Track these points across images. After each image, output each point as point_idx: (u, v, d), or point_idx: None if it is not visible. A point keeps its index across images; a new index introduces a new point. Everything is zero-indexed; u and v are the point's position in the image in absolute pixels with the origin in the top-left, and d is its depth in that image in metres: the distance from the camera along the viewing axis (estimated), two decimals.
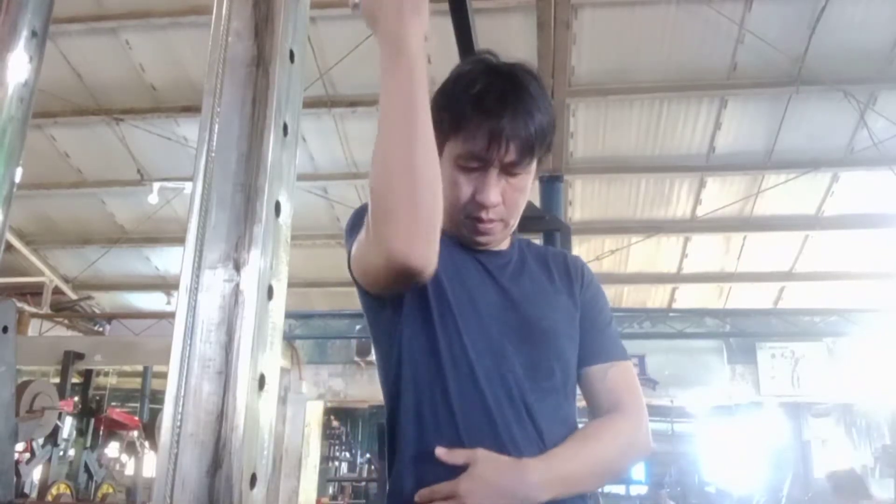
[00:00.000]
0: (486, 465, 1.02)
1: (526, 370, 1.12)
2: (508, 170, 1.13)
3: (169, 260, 10.22)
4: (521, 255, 1.27)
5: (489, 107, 1.10)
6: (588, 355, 1.21)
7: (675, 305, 10.40)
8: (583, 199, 8.81)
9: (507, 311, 1.16)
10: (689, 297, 10.33)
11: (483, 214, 1.15)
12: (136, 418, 9.61)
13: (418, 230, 0.93)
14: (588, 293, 1.26)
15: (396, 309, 1.14)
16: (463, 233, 1.19)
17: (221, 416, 0.82)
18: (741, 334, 9.79)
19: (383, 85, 0.97)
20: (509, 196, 1.15)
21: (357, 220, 1.13)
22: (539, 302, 1.20)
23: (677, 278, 9.94)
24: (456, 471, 1.03)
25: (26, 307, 9.71)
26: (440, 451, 1.05)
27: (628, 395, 1.19)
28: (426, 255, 0.94)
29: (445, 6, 4.10)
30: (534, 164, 1.17)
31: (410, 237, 0.93)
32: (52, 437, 7.42)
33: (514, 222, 1.21)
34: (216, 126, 0.93)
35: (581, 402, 1.24)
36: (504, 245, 1.26)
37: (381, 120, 0.96)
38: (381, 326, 1.18)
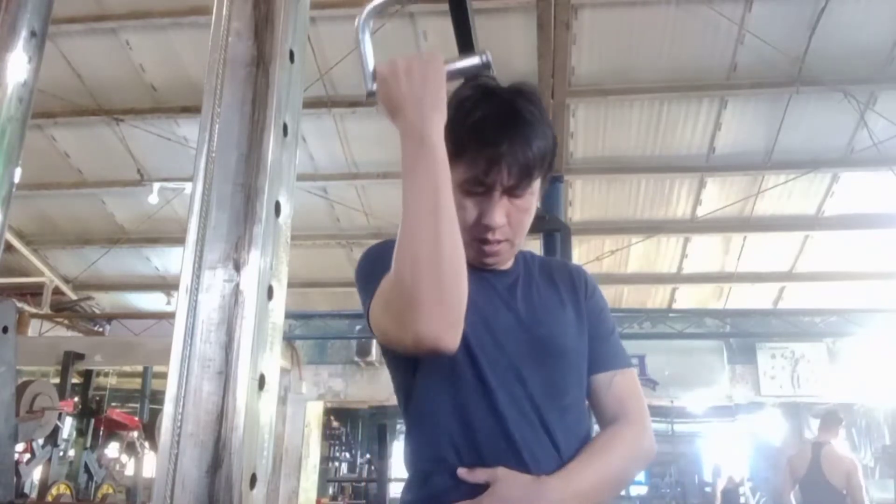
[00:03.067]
0: (507, 483, 1.05)
1: (543, 389, 1.15)
2: (511, 192, 1.16)
3: (169, 260, 10.22)
4: (527, 270, 1.29)
5: (488, 135, 1.13)
6: (593, 364, 1.24)
7: (674, 306, 10.40)
8: (583, 200, 8.81)
9: (521, 331, 1.18)
10: (689, 297, 10.33)
11: (489, 236, 1.18)
12: (136, 419, 9.61)
13: (446, 319, 0.95)
14: (592, 303, 1.29)
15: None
16: (470, 255, 1.20)
17: (221, 416, 0.82)
18: (741, 334, 9.79)
19: (406, 177, 0.99)
20: (514, 217, 1.18)
21: (372, 269, 1.14)
22: (550, 319, 1.22)
23: (677, 278, 9.94)
24: (477, 490, 1.06)
25: (26, 307, 9.70)
26: (462, 472, 1.08)
27: (633, 402, 1.22)
28: (453, 339, 0.97)
29: (445, 6, 4.11)
30: (536, 185, 1.20)
31: (438, 324, 0.95)
32: (52, 438, 7.41)
33: (521, 241, 1.24)
34: (216, 126, 0.93)
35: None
36: (509, 263, 1.28)
37: (406, 213, 0.98)
38: (399, 360, 1.21)
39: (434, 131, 1.00)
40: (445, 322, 0.95)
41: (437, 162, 0.99)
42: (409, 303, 0.95)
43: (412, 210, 0.98)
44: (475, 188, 1.16)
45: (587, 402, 1.26)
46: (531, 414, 1.13)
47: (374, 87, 1.05)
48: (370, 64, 1.06)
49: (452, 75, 1.08)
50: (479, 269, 1.23)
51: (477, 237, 1.18)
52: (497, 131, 1.14)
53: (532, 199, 1.20)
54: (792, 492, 5.74)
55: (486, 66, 1.10)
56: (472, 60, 1.11)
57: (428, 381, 1.16)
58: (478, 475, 1.07)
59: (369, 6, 1.01)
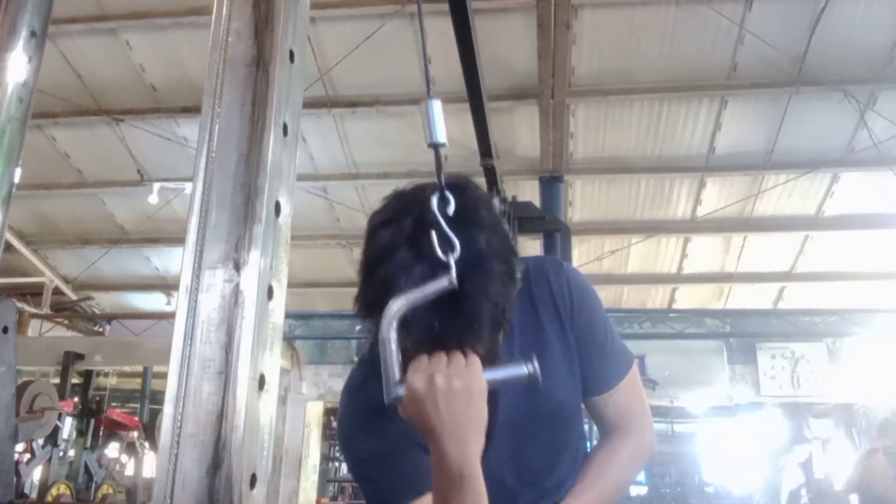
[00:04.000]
0: None
1: (538, 460, 1.20)
2: None
3: (169, 260, 10.21)
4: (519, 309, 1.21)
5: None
6: (590, 387, 1.22)
7: (675, 306, 10.40)
8: (583, 200, 8.81)
9: (519, 401, 1.16)
10: (689, 297, 10.33)
11: None
12: (136, 419, 9.61)
13: None
14: (580, 320, 1.21)
15: None
16: None
17: (221, 416, 0.82)
18: (741, 334, 9.78)
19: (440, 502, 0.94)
20: None
21: (363, 467, 1.15)
22: (547, 384, 1.15)
23: (677, 278, 9.94)
24: None
25: (26, 307, 9.70)
26: None
27: (632, 413, 1.23)
28: None
29: (445, 6, 4.11)
30: None
31: None
32: (52, 438, 7.41)
33: None
34: (216, 126, 0.93)
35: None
36: None
37: None
38: None
39: (474, 464, 0.91)
40: None
41: (476, 496, 0.92)
42: None
43: None
44: None
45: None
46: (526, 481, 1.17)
47: (402, 393, 0.91)
48: (396, 372, 0.91)
49: (494, 385, 0.95)
50: None
51: None
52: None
53: None
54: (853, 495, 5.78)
55: (532, 378, 0.95)
56: (516, 371, 0.96)
57: None
58: None
59: (393, 308, 0.89)
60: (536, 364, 0.93)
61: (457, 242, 0.90)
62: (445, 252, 0.89)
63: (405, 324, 0.89)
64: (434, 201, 0.93)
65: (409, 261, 0.91)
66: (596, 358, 1.21)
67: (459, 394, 0.88)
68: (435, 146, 0.96)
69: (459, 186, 0.97)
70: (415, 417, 0.90)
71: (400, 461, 1.09)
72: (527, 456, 1.17)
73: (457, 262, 0.89)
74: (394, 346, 0.90)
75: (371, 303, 0.92)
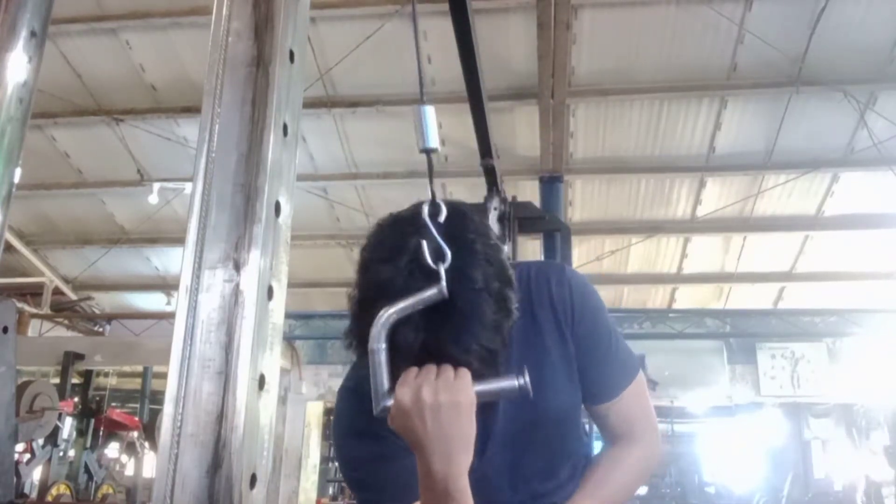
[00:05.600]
0: None
1: (535, 469, 1.18)
2: None
3: (169, 260, 10.22)
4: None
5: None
6: (593, 396, 1.19)
7: (675, 306, 10.40)
8: (583, 200, 8.81)
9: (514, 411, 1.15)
10: (689, 297, 10.33)
11: None
12: (136, 419, 9.61)
13: None
14: (581, 328, 1.17)
15: None
16: None
17: (221, 416, 0.82)
18: (741, 334, 9.78)
19: None
20: None
21: (353, 469, 1.17)
22: (543, 392, 1.12)
23: (677, 278, 9.94)
24: None
25: (26, 307, 9.70)
26: None
27: (637, 420, 1.20)
28: None
29: (445, 6, 4.11)
30: None
31: None
32: (52, 438, 7.41)
33: None
34: (216, 126, 0.93)
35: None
36: None
37: None
38: None
39: (460, 479, 0.89)
40: None
41: None
42: None
43: None
44: None
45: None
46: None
47: (389, 404, 0.90)
48: (385, 383, 0.90)
49: (483, 398, 0.93)
50: None
51: None
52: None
53: None
54: None
55: (522, 391, 0.93)
56: (506, 384, 0.94)
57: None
58: None
59: (383, 318, 0.88)
60: (527, 377, 0.92)
61: (448, 251, 0.89)
62: (436, 262, 0.88)
63: (394, 335, 0.88)
64: (425, 209, 0.92)
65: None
66: (598, 366, 1.18)
67: (446, 408, 0.87)
68: (427, 152, 0.96)
69: (459, 213, 0.97)
70: (402, 430, 0.89)
71: (390, 466, 1.07)
72: (524, 465, 1.16)
73: (448, 281, 0.88)
74: (383, 356, 0.89)
75: (365, 339, 0.90)
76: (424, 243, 0.89)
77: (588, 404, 1.20)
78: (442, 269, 0.88)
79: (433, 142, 0.97)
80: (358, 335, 0.95)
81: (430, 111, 0.98)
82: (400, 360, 0.90)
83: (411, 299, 0.89)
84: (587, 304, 1.19)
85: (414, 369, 0.89)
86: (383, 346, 0.89)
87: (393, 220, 0.99)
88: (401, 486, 1.05)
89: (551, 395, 1.13)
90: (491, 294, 0.92)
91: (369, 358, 0.89)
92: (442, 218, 0.92)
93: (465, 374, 0.89)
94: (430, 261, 0.88)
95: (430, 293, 0.89)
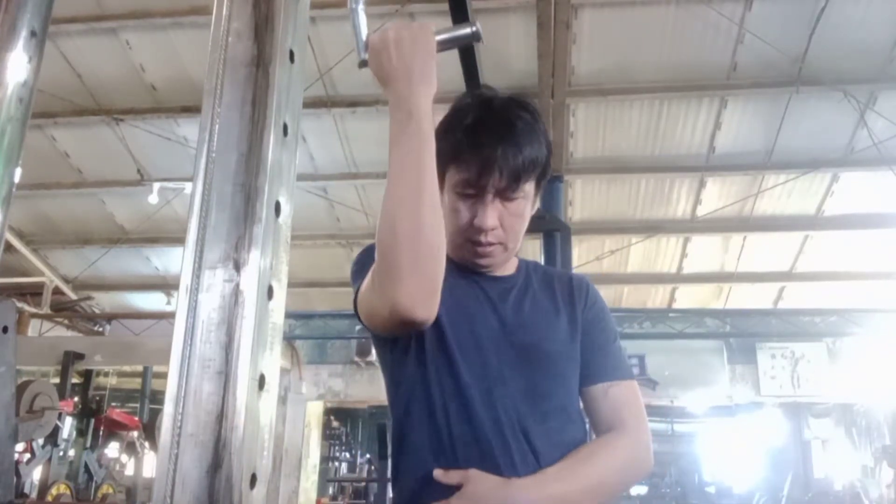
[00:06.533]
0: (477, 484, 1.07)
1: (524, 394, 1.16)
2: (503, 195, 1.19)
3: (169, 260, 10.22)
4: (527, 279, 1.30)
5: (481, 139, 1.17)
6: (589, 375, 1.23)
7: (674, 305, 10.40)
8: (583, 199, 8.81)
9: (506, 336, 1.19)
10: (689, 297, 10.33)
11: (482, 238, 1.20)
12: (136, 418, 9.61)
13: (421, 289, 0.99)
14: (590, 313, 1.27)
15: (403, 347, 1.19)
16: (465, 256, 1.24)
17: (221, 416, 0.82)
18: (741, 334, 9.79)
19: (392, 148, 1.03)
20: (507, 220, 1.20)
21: (363, 262, 1.18)
22: (539, 325, 1.22)
23: (677, 278, 9.94)
24: (451, 491, 1.08)
25: (26, 307, 9.70)
26: (437, 473, 1.10)
27: (629, 413, 1.20)
28: (428, 310, 1.01)
29: (445, 6, 4.11)
30: (529, 189, 1.22)
31: (414, 294, 0.98)
32: (52, 438, 7.41)
33: (515, 246, 1.25)
34: (216, 126, 0.93)
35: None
36: (509, 269, 1.30)
37: (390, 180, 1.03)
38: (388, 362, 1.24)
39: (421, 104, 1.02)
40: (421, 292, 0.99)
41: (422, 134, 1.02)
42: (387, 271, 1.00)
43: (395, 180, 1.02)
44: (467, 190, 1.19)
45: (584, 411, 1.24)
46: (508, 418, 1.13)
47: (367, 56, 1.06)
48: (363, 34, 1.07)
49: (443, 46, 1.08)
50: (475, 273, 1.25)
51: (470, 239, 1.21)
52: (490, 136, 1.17)
53: (525, 203, 1.22)
54: None
55: (475, 36, 1.10)
56: (462, 30, 1.11)
57: (409, 383, 1.18)
58: (451, 476, 1.08)
59: None
60: (479, 26, 1.11)
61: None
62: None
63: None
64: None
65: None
66: (600, 349, 1.25)
67: (407, 41, 1.04)
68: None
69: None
70: (376, 71, 1.05)
71: None
72: (511, 398, 1.15)
73: None
74: (361, 10, 1.08)
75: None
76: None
77: (584, 386, 1.23)
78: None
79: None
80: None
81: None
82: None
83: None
84: (599, 301, 1.31)
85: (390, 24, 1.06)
86: (361, 6, 1.08)
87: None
88: None
89: (542, 332, 1.21)
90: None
91: (350, 18, 1.08)
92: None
93: (427, 23, 1.08)
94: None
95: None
